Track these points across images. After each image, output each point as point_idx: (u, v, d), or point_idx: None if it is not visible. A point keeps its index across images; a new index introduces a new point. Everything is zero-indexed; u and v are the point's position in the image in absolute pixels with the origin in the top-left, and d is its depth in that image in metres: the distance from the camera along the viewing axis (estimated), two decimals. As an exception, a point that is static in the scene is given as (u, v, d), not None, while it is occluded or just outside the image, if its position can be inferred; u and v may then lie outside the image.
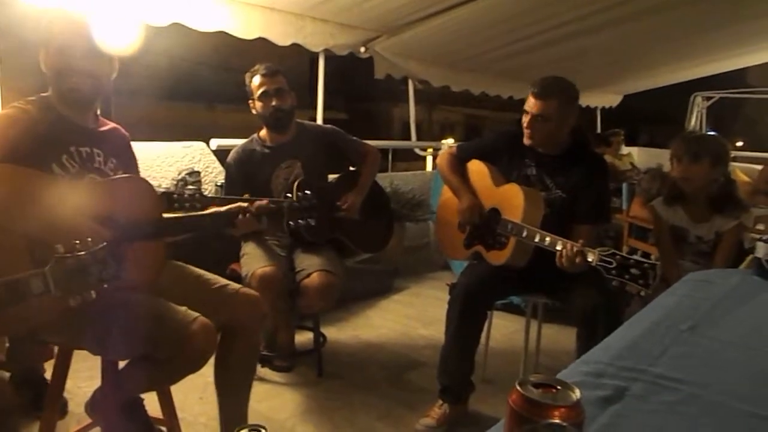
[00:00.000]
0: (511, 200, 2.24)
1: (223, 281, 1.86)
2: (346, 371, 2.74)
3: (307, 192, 2.12)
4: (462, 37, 4.34)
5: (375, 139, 3.03)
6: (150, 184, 1.70)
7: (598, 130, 7.16)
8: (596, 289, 2.04)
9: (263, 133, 2.68)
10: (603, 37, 4.39)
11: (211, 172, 3.31)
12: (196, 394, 2.34)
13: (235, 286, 1.85)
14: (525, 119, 2.26)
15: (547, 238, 2.05)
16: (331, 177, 2.85)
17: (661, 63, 5.57)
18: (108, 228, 1.49)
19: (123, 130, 1.89)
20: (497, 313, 2.59)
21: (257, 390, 1.99)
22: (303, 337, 2.92)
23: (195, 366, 1.59)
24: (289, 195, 2.34)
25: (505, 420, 0.69)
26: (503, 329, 3.06)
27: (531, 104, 2.23)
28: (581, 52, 4.68)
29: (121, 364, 1.72)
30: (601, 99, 7.08)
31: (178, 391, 1.80)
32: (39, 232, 1.39)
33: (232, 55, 5.62)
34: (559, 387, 0.69)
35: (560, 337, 3.07)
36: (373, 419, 2.31)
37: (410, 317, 3.54)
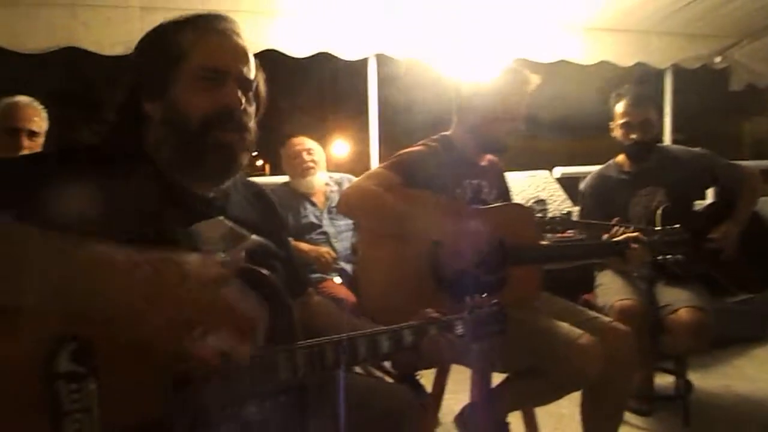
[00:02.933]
0: None
1: (593, 313, 1.81)
2: (717, 426, 2.39)
3: (676, 225, 1.95)
4: None
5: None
6: (531, 211, 1.77)
7: None
8: None
9: (620, 158, 2.58)
10: None
11: (555, 201, 3.31)
12: (551, 425, 2.32)
13: (606, 318, 1.79)
14: None
15: None
16: (699, 203, 2.57)
17: None
18: (496, 251, 1.60)
19: (499, 163, 2.03)
20: None
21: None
22: (660, 380, 2.65)
23: (580, 382, 1.58)
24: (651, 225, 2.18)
25: None
26: None
27: None
28: None
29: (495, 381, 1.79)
30: None
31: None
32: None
33: (565, 82, 5.58)
34: None
35: None
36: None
37: (796, 372, 2.91)
